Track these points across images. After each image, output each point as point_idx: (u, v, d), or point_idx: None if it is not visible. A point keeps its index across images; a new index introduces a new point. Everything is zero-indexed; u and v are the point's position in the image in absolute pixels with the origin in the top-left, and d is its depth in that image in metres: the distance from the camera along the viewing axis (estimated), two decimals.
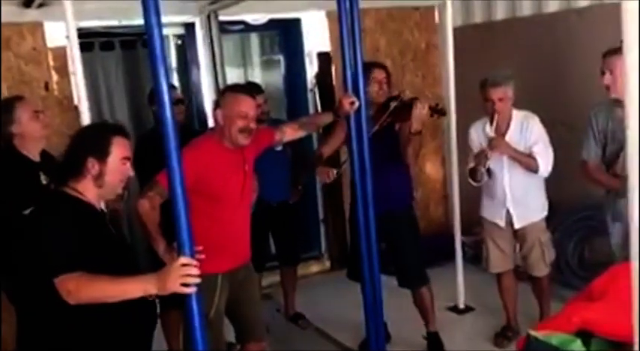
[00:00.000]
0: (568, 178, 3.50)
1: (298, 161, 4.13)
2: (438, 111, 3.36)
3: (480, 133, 3.39)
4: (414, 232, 3.52)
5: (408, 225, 3.49)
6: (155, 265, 2.33)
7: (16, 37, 3.78)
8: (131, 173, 2.10)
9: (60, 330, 1.95)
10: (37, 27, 3.84)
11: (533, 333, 1.57)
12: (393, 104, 3.27)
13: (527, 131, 3.28)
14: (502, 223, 3.43)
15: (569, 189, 3.79)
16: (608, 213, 3.08)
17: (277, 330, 3.96)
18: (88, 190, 2.02)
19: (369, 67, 3.34)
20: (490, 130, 3.31)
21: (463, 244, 4.24)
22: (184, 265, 1.75)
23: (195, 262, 1.77)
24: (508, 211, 3.39)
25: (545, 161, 3.23)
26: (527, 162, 3.25)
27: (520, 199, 3.36)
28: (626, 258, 2.84)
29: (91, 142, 2.04)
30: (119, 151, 2.04)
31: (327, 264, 5.22)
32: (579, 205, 4.10)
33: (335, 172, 3.20)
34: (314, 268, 5.11)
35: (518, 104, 3.38)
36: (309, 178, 4.43)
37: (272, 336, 3.67)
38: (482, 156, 3.24)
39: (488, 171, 3.29)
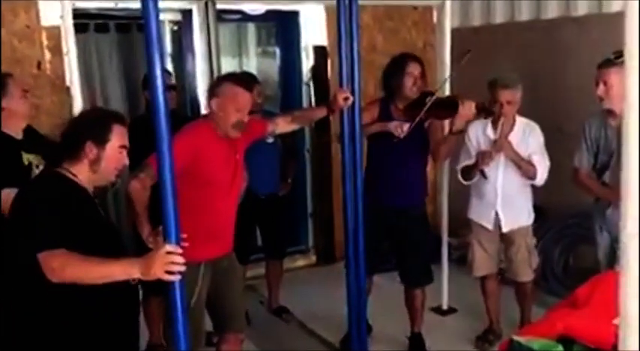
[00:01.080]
0: (556, 185, 3.50)
1: (288, 154, 4.12)
2: (486, 110, 3.19)
3: (479, 134, 3.36)
4: (426, 230, 3.48)
5: (421, 222, 3.44)
6: (139, 250, 2.32)
7: (10, 14, 3.72)
8: (126, 162, 2.10)
9: (42, 311, 1.94)
10: (32, 5, 3.78)
11: (516, 338, 1.57)
12: (429, 99, 3.12)
13: (529, 138, 3.28)
14: (490, 225, 3.43)
15: (556, 196, 3.80)
16: (597, 221, 3.10)
17: (260, 323, 3.95)
18: (81, 173, 2.02)
19: (403, 59, 3.28)
20: (492, 132, 3.30)
21: (449, 246, 4.24)
22: (169, 252, 1.74)
23: (180, 250, 1.75)
24: (497, 214, 3.39)
25: (542, 170, 3.24)
26: (526, 168, 3.25)
27: (510, 202, 3.36)
28: (612, 266, 2.90)
29: (91, 127, 2.04)
30: (118, 139, 2.05)
31: (314, 258, 5.22)
32: (566, 212, 4.12)
33: (406, 126, 3.08)
34: (300, 262, 5.11)
35: None
36: (300, 171, 4.43)
37: (254, 328, 3.66)
38: (486, 156, 3.22)
39: (483, 172, 3.29)
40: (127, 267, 1.82)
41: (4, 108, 2.77)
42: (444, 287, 4.12)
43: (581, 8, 4.03)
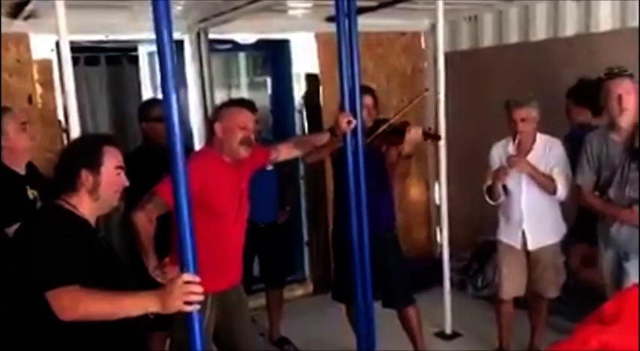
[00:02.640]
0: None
1: (286, 181, 4.09)
2: (432, 135, 3.36)
3: (501, 153, 3.42)
4: (398, 254, 3.50)
5: (392, 247, 3.47)
6: (140, 282, 2.25)
7: (1, 48, 3.68)
8: (126, 183, 2.04)
9: (47, 349, 1.86)
10: (22, 39, 3.74)
11: None
12: (382, 127, 3.24)
13: (550, 154, 3.31)
14: (517, 244, 3.42)
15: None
16: (601, 239, 3.09)
17: None
18: (82, 204, 1.95)
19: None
20: (511, 149, 3.35)
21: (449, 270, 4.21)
22: (187, 282, 1.68)
23: (198, 279, 1.69)
24: (523, 233, 3.39)
25: (563, 184, 3.25)
26: (545, 182, 3.27)
27: (536, 220, 3.36)
28: (618, 285, 2.88)
29: (82, 154, 1.98)
30: (112, 160, 1.99)
31: (311, 287, 5.15)
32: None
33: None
34: (297, 291, 5.03)
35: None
36: (295, 199, 4.38)
37: None
38: (500, 172, 3.27)
39: (505, 189, 3.31)
40: (144, 301, 1.74)
41: (2, 146, 2.69)
42: (446, 312, 4.08)
43: (570, 28, 4.09)
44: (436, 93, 4.04)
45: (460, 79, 4.51)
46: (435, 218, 5.26)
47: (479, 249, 4.72)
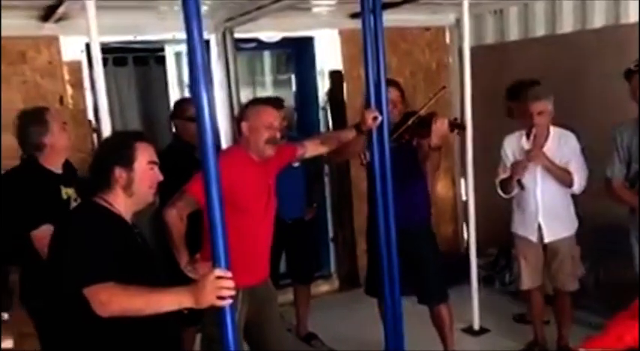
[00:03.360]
0: (584, 198, 3.48)
1: (313, 178, 4.11)
2: (458, 125, 3.34)
3: (514, 146, 3.42)
4: (433, 248, 3.47)
5: (427, 241, 3.44)
6: (173, 276, 2.29)
7: (32, 50, 3.77)
8: (160, 178, 2.06)
9: (85, 345, 1.90)
10: (53, 41, 3.82)
11: None
12: (410, 120, 3.24)
13: (565, 147, 3.31)
14: (533, 237, 3.43)
15: (585, 209, 3.76)
16: (632, 233, 3.05)
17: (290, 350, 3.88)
18: (117, 200, 1.99)
19: None
20: (526, 143, 3.34)
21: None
22: (219, 277, 1.70)
23: (230, 274, 1.72)
24: (539, 226, 3.39)
25: (580, 177, 3.26)
26: (562, 175, 3.27)
27: (551, 212, 3.36)
28: None
29: (115, 152, 2.01)
30: (144, 156, 2.01)
31: (336, 284, 5.16)
32: (594, 225, 4.07)
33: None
34: (323, 287, 5.05)
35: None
36: (320, 195, 4.40)
37: None
38: (519, 166, 3.26)
39: (520, 183, 3.31)
40: (178, 296, 1.77)
41: (45, 144, 2.75)
42: (474, 307, 4.06)
43: (598, 20, 4.03)
44: (462, 88, 4.02)
45: (486, 74, 4.48)
46: (462, 214, 5.23)
47: (506, 244, 4.68)
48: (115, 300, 1.76)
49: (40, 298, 2.33)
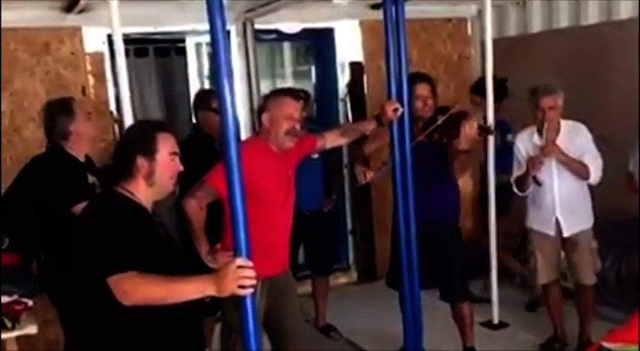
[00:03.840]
0: (604, 193, 3.45)
1: (331, 170, 4.10)
2: (486, 129, 3.27)
3: (526, 143, 3.41)
4: (459, 246, 3.42)
5: (454, 238, 3.38)
6: (193, 267, 2.31)
7: (56, 42, 3.81)
8: (181, 168, 2.06)
9: (109, 333, 1.92)
10: (76, 32, 3.86)
11: (606, 344, 1.53)
12: (440, 118, 3.12)
13: (577, 139, 3.30)
14: (552, 232, 3.41)
15: (604, 204, 3.72)
16: None
17: (308, 341, 3.88)
18: (139, 190, 1.99)
19: (411, 80, 3.17)
20: (538, 139, 3.32)
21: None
22: (240, 266, 1.71)
23: (251, 264, 1.73)
24: (557, 220, 3.37)
25: (595, 168, 3.24)
26: (578, 168, 3.25)
27: (569, 206, 3.34)
28: None
29: (137, 141, 2.00)
30: (166, 146, 2.01)
31: (355, 276, 5.17)
32: (616, 220, 4.02)
33: (372, 174, 3.10)
34: (341, 279, 5.06)
35: None
36: (339, 187, 4.39)
37: (303, 348, 3.61)
38: (535, 162, 3.24)
39: (536, 179, 3.29)
40: (201, 285, 1.77)
41: (71, 131, 2.82)
42: (494, 301, 4.03)
43: (624, 11, 3.96)
44: (484, 81, 3.98)
45: (507, 66, 4.42)
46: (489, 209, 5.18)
47: (525, 239, 4.64)
48: (138, 289, 1.78)
49: (60, 286, 2.37)
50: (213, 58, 1.68)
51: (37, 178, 2.80)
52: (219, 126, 1.73)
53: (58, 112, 2.85)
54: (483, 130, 3.19)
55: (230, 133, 1.69)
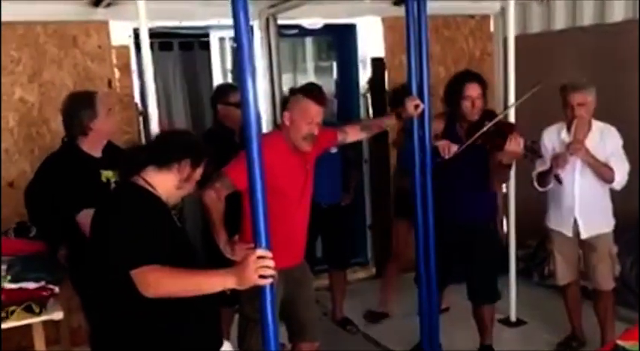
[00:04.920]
0: (625, 193, 3.39)
1: (349, 164, 4.12)
2: (533, 151, 3.14)
3: (553, 139, 3.36)
4: (491, 249, 3.38)
5: (486, 241, 3.35)
6: (210, 261, 2.35)
7: (83, 35, 3.88)
8: (198, 179, 2.14)
9: (132, 324, 1.96)
10: (103, 26, 3.92)
11: (620, 343, 1.53)
12: (487, 124, 3.05)
13: (607, 141, 3.24)
14: (569, 232, 3.38)
15: (625, 204, 3.68)
16: None
17: (325, 335, 3.92)
18: (162, 185, 2.02)
19: (461, 80, 3.19)
20: (567, 136, 3.27)
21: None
22: (260, 257, 1.75)
23: (271, 254, 1.77)
24: (575, 220, 3.34)
25: (621, 174, 3.19)
26: (603, 171, 3.20)
27: (588, 207, 3.30)
28: None
29: (193, 147, 2.09)
30: (205, 166, 2.11)
31: (373, 270, 5.19)
32: (636, 221, 3.99)
33: (455, 148, 2.98)
34: (360, 274, 5.09)
35: None
36: (359, 182, 4.41)
37: (319, 340, 3.65)
38: (560, 159, 3.18)
39: (558, 177, 3.24)
40: (222, 277, 1.81)
41: (91, 128, 2.81)
42: (511, 299, 4.04)
43: None
44: (505, 78, 3.97)
45: (530, 63, 4.40)
46: (502, 205, 5.17)
47: (545, 237, 4.63)
48: (161, 282, 1.81)
49: (83, 275, 2.42)
50: (237, 53, 1.71)
51: (51, 176, 2.80)
52: (242, 120, 1.77)
53: (80, 107, 2.82)
54: (530, 151, 3.06)
55: (252, 127, 1.74)
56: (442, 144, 3.02)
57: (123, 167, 2.11)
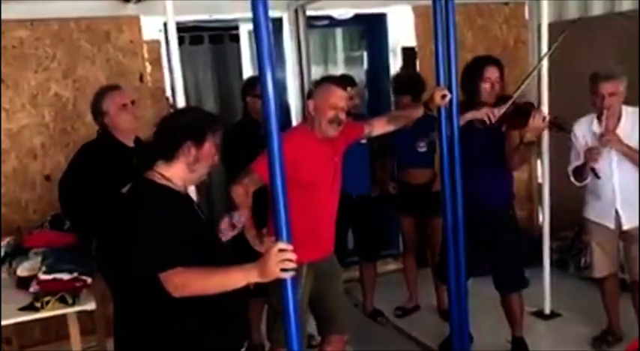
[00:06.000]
0: None
1: (376, 155, 4.09)
2: (559, 125, 3.13)
3: (585, 131, 3.26)
4: (512, 235, 3.34)
5: (506, 225, 3.32)
6: (236, 253, 2.37)
7: (115, 30, 3.94)
8: (216, 159, 2.08)
9: (158, 320, 1.98)
10: (134, 21, 3.98)
11: None
12: (504, 107, 3.04)
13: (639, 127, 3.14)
14: (611, 224, 3.29)
15: None
16: None
17: (355, 326, 3.92)
18: (177, 174, 2.00)
19: (481, 63, 3.20)
20: (598, 127, 3.18)
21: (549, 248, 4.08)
22: (282, 250, 1.76)
23: (291, 247, 1.77)
24: (617, 212, 3.25)
25: None
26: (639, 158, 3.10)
27: (630, 198, 3.20)
28: None
29: (190, 127, 2.01)
30: (214, 137, 2.04)
31: (403, 260, 5.14)
32: None
33: (500, 112, 2.99)
34: (391, 265, 5.06)
35: None
36: (387, 175, 4.37)
37: (350, 332, 3.66)
38: (593, 153, 3.11)
39: (594, 171, 3.16)
40: (245, 272, 1.83)
41: (107, 124, 2.93)
42: (545, 291, 3.96)
43: None
44: (539, 66, 3.87)
45: (566, 51, 4.27)
46: (537, 196, 5.08)
47: (581, 228, 4.52)
48: (188, 283, 1.85)
49: (111, 268, 2.47)
50: (257, 46, 1.71)
51: (85, 165, 2.89)
52: (263, 115, 1.77)
53: (93, 104, 2.98)
54: (555, 126, 3.04)
55: (272, 119, 1.74)
56: (484, 111, 3.01)
57: (137, 165, 2.09)
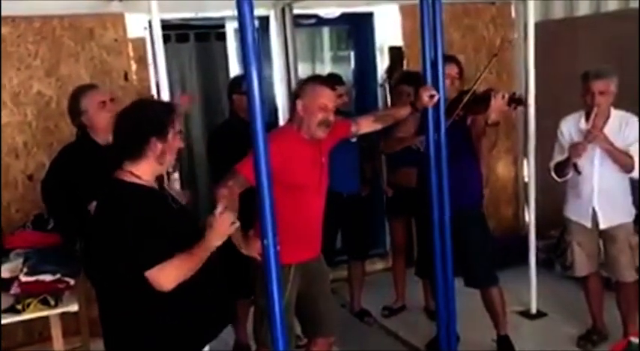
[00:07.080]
0: None
1: (365, 155, 4.08)
2: (516, 100, 3.17)
3: (572, 128, 3.30)
4: (483, 230, 3.39)
5: (477, 222, 3.36)
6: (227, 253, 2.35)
7: (99, 28, 3.89)
8: (181, 145, 2.09)
9: (145, 316, 2.01)
10: (119, 18, 3.93)
11: (634, 339, 1.49)
12: (465, 97, 3.12)
13: (626, 130, 3.17)
14: (588, 223, 3.32)
15: None
16: None
17: (342, 326, 3.90)
18: (147, 170, 2.01)
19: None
20: (585, 125, 3.20)
21: (535, 248, 4.09)
22: (220, 213, 1.98)
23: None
24: (594, 210, 3.28)
25: None
26: (623, 159, 3.14)
27: (608, 197, 3.24)
28: None
29: (150, 122, 2.00)
30: (175, 126, 2.04)
31: (391, 262, 5.14)
32: None
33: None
34: (378, 265, 5.06)
35: None
36: (375, 174, 4.38)
37: (337, 332, 3.64)
38: (578, 148, 3.13)
39: (576, 167, 3.19)
40: (207, 244, 1.98)
41: (85, 124, 2.87)
42: (532, 291, 3.98)
43: None
44: (526, 66, 3.88)
45: (553, 50, 4.30)
46: (523, 194, 5.10)
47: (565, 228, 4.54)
48: (171, 276, 1.93)
49: (94, 269, 2.43)
50: (241, 45, 1.70)
51: (65, 167, 2.84)
52: (248, 114, 1.75)
53: (70, 103, 2.93)
54: (514, 101, 3.11)
55: (258, 119, 1.72)
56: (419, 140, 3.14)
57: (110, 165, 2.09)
